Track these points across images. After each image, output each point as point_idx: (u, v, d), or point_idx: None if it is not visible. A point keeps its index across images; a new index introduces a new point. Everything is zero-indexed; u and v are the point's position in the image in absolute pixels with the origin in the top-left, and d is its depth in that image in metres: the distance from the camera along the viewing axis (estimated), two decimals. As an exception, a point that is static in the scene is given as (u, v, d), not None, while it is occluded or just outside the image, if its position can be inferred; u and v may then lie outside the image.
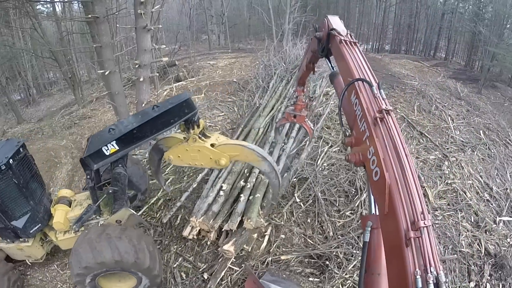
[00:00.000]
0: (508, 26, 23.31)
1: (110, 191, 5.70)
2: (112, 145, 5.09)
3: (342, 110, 3.70)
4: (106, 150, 5.13)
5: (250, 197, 7.22)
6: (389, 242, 2.57)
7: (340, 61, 3.83)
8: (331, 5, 31.38)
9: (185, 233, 6.98)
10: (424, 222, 2.31)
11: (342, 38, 3.83)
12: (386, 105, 3.04)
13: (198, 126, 5.19)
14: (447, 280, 2.38)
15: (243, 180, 7.78)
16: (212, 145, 5.22)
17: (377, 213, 3.05)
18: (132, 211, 5.68)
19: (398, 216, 2.40)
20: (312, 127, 6.74)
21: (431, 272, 2.13)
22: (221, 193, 7.31)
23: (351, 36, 3.95)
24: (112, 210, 5.81)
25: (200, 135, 5.25)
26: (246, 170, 8.12)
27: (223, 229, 6.81)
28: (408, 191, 2.48)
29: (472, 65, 25.27)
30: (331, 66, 4.59)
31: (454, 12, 26.77)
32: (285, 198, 7.88)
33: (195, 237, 7.04)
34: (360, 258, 2.99)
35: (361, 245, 6.40)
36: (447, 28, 27.91)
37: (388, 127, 2.86)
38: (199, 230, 7.04)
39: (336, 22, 4.17)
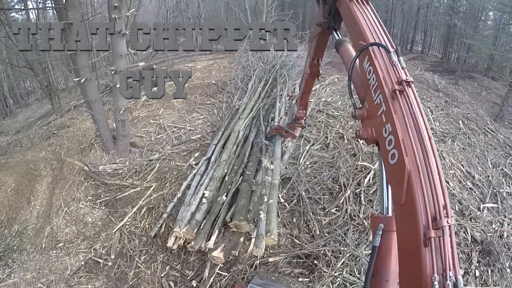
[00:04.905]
0: (482, 18, 23.97)
1: None
2: None
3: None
4: None
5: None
6: (405, 240, 2.25)
7: (350, 23, 3.30)
8: (308, 3, 31.36)
9: (169, 243, 6.71)
10: (447, 220, 2.02)
11: None
12: (407, 76, 2.60)
13: None
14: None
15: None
16: None
17: (390, 214, 2.70)
18: None
19: (417, 210, 2.08)
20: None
21: (449, 277, 1.87)
22: (204, 200, 7.06)
23: None
24: None
25: None
26: (227, 177, 7.86)
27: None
28: (431, 181, 2.15)
29: (449, 57, 25.79)
30: (338, 37, 4.09)
31: (430, 7, 27.30)
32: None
33: (180, 245, 6.87)
34: (369, 261, 2.68)
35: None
36: (423, 22, 28.45)
37: (409, 102, 2.45)
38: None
39: None
